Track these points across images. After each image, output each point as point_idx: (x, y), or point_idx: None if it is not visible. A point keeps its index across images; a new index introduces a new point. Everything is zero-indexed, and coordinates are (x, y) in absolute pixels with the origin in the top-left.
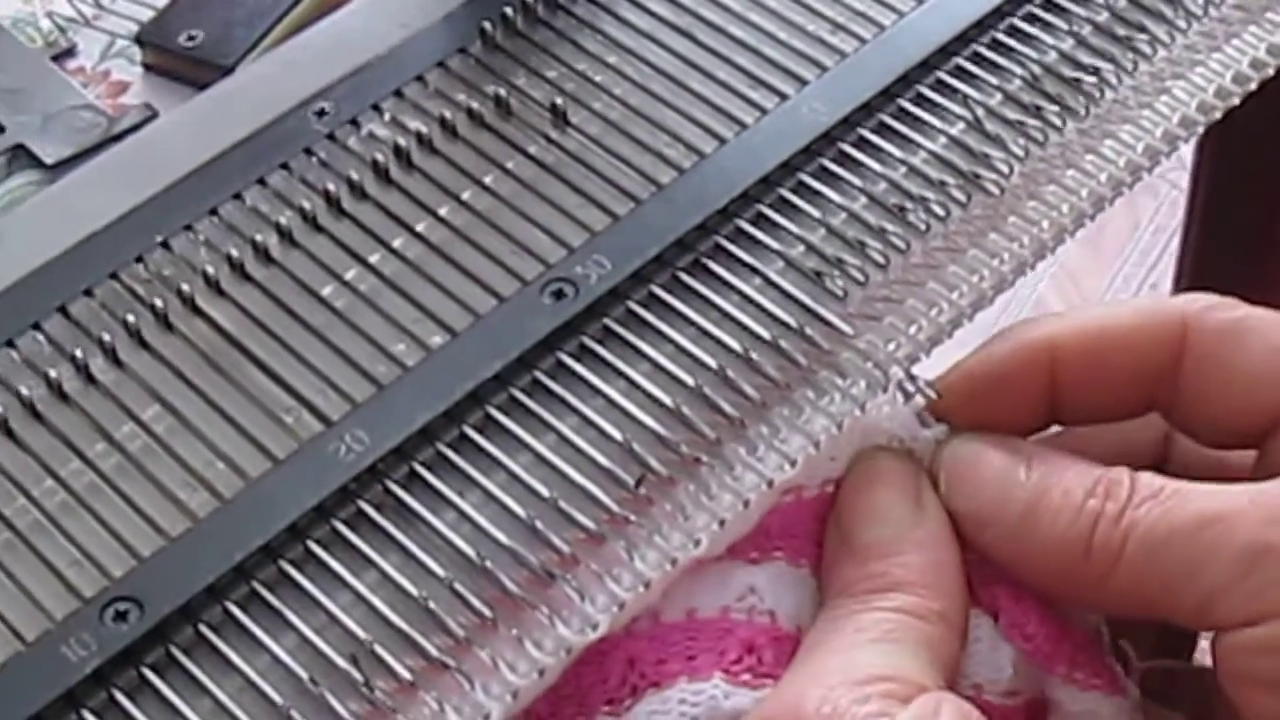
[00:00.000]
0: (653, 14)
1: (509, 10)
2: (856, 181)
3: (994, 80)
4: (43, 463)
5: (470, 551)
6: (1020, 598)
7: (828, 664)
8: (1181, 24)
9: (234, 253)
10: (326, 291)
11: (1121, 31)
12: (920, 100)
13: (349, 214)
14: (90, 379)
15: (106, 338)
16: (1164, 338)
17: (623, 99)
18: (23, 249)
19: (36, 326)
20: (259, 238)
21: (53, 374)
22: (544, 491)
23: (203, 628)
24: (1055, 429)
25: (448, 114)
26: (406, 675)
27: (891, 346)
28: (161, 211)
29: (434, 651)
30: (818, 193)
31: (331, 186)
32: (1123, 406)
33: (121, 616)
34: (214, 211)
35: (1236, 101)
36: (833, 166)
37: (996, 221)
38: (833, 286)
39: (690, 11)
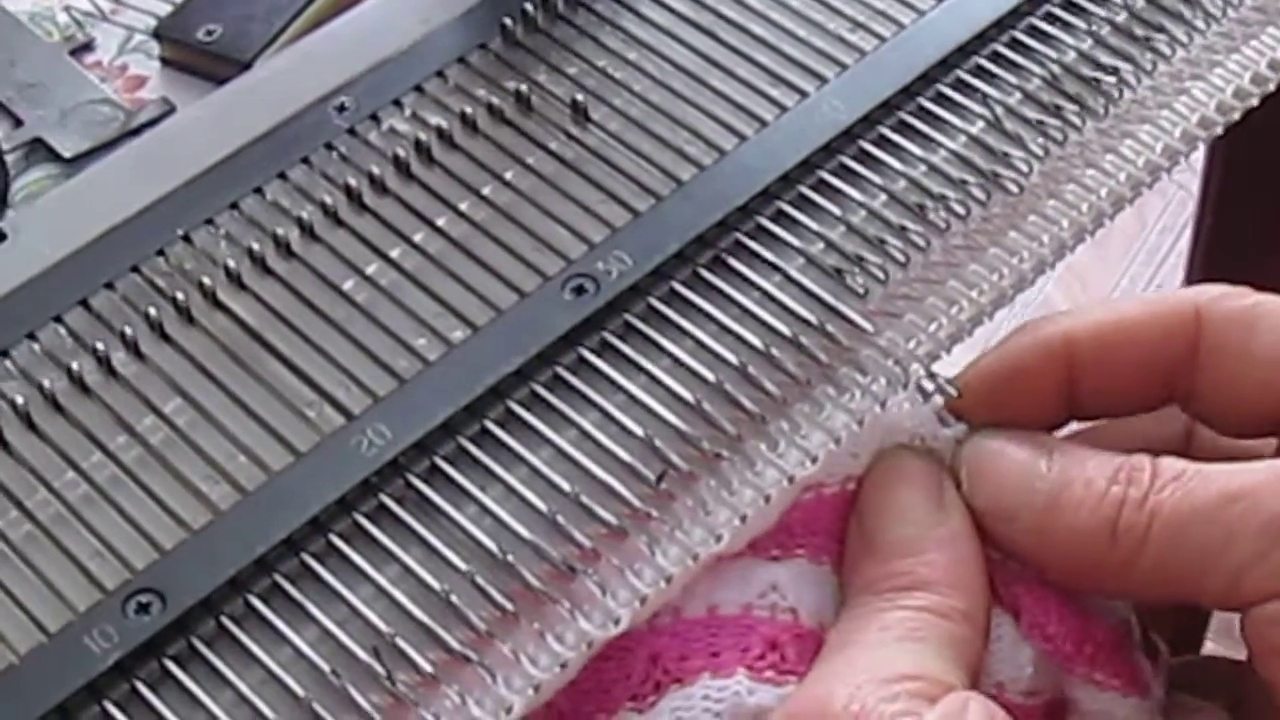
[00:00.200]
0: (673, 11)
1: (530, 6)
2: (877, 179)
3: (1013, 79)
4: (65, 455)
5: (492, 545)
6: (1041, 597)
7: (854, 662)
8: (1200, 25)
9: (255, 247)
10: (348, 286)
11: (1140, 32)
12: (940, 99)
13: (370, 208)
14: (112, 372)
15: (128, 331)
16: (1178, 327)
17: (643, 95)
18: (42, 242)
19: (58, 319)
20: (280, 232)
21: (74, 367)
22: (565, 486)
23: (225, 620)
24: (1074, 427)
25: (468, 109)
26: (428, 668)
27: (912, 344)
28: (182, 205)
29: (456, 645)
30: (838, 190)
31: (352, 181)
32: (1140, 399)
33: (144, 608)
34: (235, 205)
35: (1255, 103)
36: (853, 164)
37: (1016, 220)
38: (853, 284)
39: (711, 9)
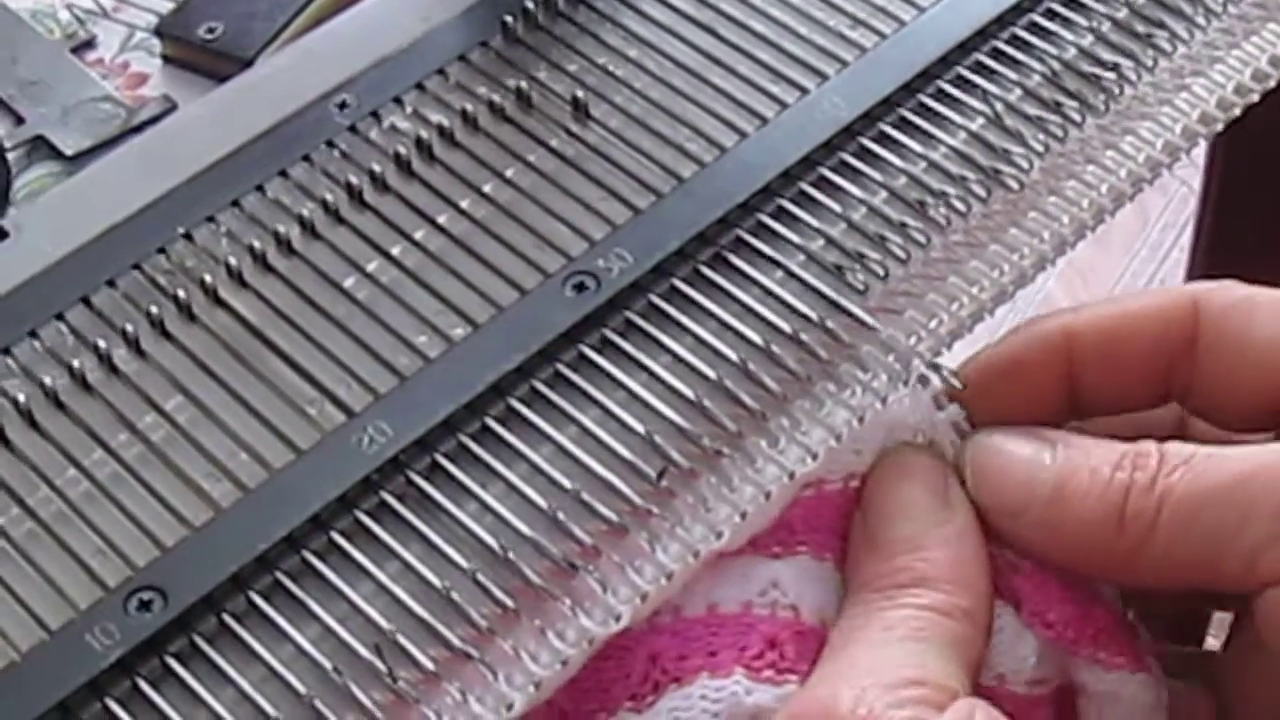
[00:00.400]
0: (673, 8)
1: (530, 4)
2: (877, 176)
3: (1014, 76)
4: (66, 453)
5: (492, 542)
6: (1040, 585)
7: (858, 662)
8: (1201, 21)
9: (256, 244)
10: (349, 283)
11: (1141, 28)
12: (940, 95)
13: (370, 206)
14: (113, 369)
15: (129, 328)
16: (1177, 318)
17: (643, 93)
18: (44, 240)
19: (59, 317)
20: (281, 229)
21: (76, 364)
22: (566, 483)
23: (226, 617)
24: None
25: (469, 107)
26: (429, 665)
27: (912, 340)
28: (183, 203)
29: (457, 642)
30: (838, 187)
31: (353, 179)
32: (1141, 393)
33: (145, 606)
34: (236, 203)
35: (1255, 99)
36: (853, 161)
37: (1017, 217)
38: (854, 280)
39: (711, 6)
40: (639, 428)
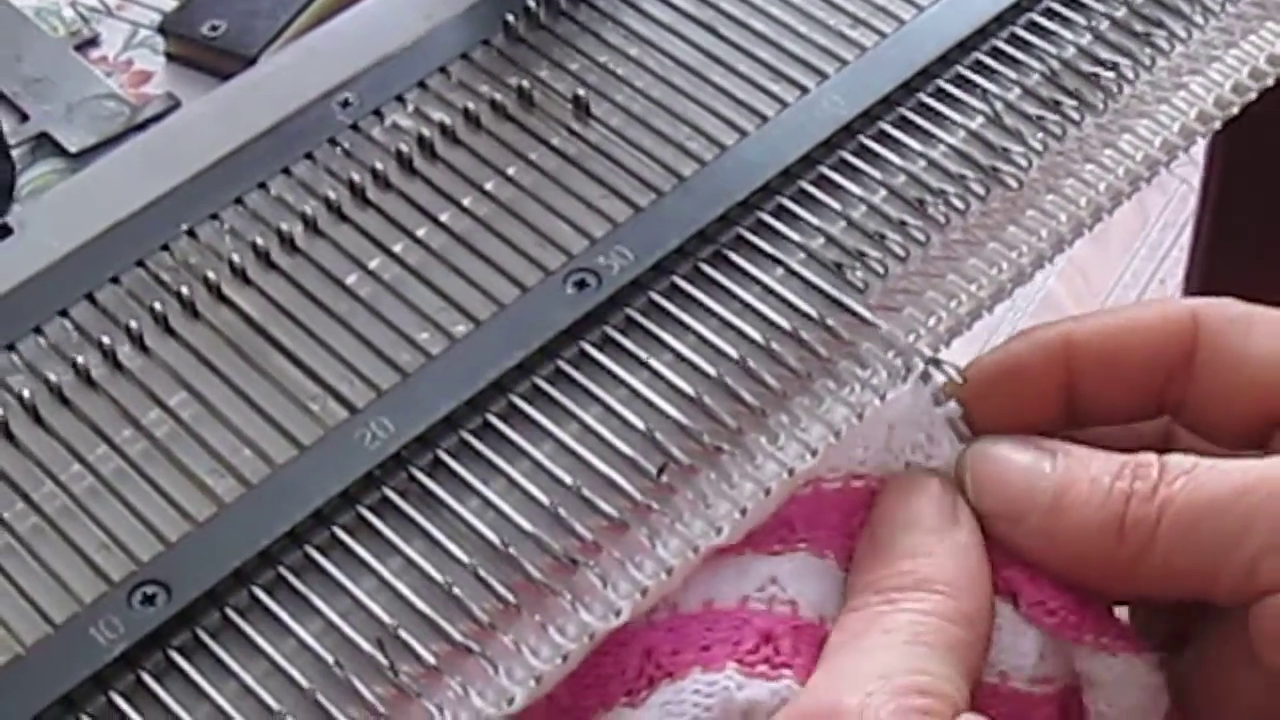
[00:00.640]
0: (674, 7)
1: (531, 2)
2: (876, 174)
3: (1012, 75)
4: (71, 448)
5: (494, 538)
6: (1036, 576)
7: (860, 666)
8: (1199, 20)
9: (259, 241)
10: (351, 280)
11: (1139, 27)
12: (939, 94)
13: (373, 203)
14: (117, 365)
15: (133, 325)
16: (1177, 332)
17: (644, 91)
18: (48, 237)
19: (63, 314)
20: (284, 227)
21: (80, 360)
22: (567, 479)
23: (229, 612)
24: None
25: (471, 105)
26: (431, 659)
27: (911, 338)
28: (187, 200)
29: (458, 636)
30: (838, 185)
31: (356, 176)
32: (1137, 405)
33: (149, 600)
34: (239, 200)
35: (1253, 97)
36: (853, 159)
37: (1015, 215)
38: (853, 278)
39: (711, 5)
40: (639, 424)
